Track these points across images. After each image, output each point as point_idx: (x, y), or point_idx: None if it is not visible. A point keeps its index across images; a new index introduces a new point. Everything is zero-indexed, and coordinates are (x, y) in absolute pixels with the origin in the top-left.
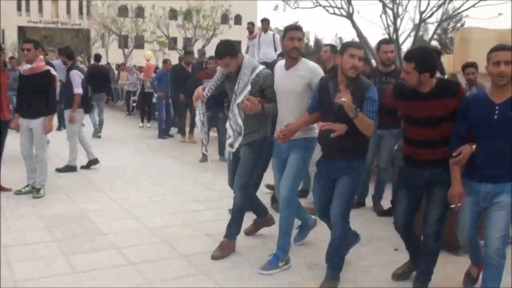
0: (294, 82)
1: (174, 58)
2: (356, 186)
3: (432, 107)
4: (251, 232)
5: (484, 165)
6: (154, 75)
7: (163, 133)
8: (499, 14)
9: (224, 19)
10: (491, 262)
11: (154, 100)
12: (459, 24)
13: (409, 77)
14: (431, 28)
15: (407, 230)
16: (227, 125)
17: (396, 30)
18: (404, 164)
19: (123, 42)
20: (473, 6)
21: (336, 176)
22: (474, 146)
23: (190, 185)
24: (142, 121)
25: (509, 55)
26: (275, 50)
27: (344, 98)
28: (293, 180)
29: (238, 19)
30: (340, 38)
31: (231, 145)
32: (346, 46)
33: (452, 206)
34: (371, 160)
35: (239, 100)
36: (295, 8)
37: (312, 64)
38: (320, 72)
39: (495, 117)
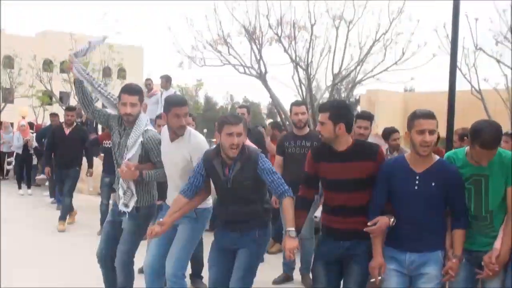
0: (175, 156)
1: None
2: (254, 259)
3: (347, 169)
4: None
5: (406, 235)
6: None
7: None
8: (412, 79)
9: (107, 72)
10: None
11: (35, 161)
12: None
13: (324, 128)
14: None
15: None
16: (119, 183)
17: (310, 90)
18: (320, 235)
19: None
20: (386, 69)
21: (234, 248)
22: (392, 220)
23: None
24: (20, 187)
25: (433, 124)
26: None
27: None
28: (179, 257)
29: (122, 73)
30: (231, 96)
31: (126, 205)
32: (222, 124)
33: (372, 280)
34: None
35: (129, 155)
36: (202, 66)
37: (196, 139)
38: (202, 148)
39: (416, 187)
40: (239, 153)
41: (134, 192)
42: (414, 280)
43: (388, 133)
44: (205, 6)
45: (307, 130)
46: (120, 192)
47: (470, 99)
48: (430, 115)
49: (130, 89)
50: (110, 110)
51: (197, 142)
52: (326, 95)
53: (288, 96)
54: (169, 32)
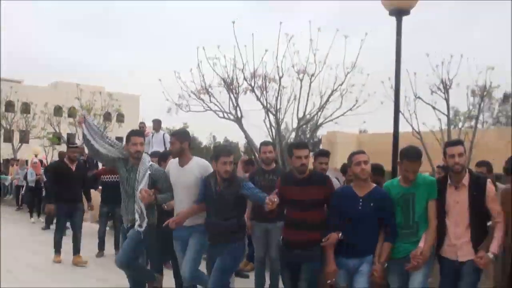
0: (187, 178)
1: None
2: (231, 262)
3: (306, 191)
4: None
5: (352, 244)
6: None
7: None
8: (364, 122)
9: (107, 117)
10: None
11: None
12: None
13: (308, 160)
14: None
15: None
16: (135, 209)
17: (279, 132)
18: (282, 245)
19: (10, 137)
20: (342, 114)
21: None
22: (340, 234)
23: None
24: (31, 216)
25: (365, 156)
26: (166, 149)
27: (275, 199)
28: (193, 261)
29: (120, 118)
30: (214, 137)
31: (140, 226)
32: (218, 155)
33: (329, 281)
34: (262, 253)
35: (141, 186)
36: (187, 111)
37: (203, 162)
38: (210, 169)
39: (359, 207)
40: (228, 178)
41: (145, 215)
42: (354, 275)
43: (347, 168)
44: (191, 61)
45: (273, 165)
46: (136, 216)
47: (411, 139)
48: (362, 152)
49: (138, 132)
50: (112, 154)
51: (206, 164)
52: (293, 135)
53: (260, 136)
54: (159, 83)
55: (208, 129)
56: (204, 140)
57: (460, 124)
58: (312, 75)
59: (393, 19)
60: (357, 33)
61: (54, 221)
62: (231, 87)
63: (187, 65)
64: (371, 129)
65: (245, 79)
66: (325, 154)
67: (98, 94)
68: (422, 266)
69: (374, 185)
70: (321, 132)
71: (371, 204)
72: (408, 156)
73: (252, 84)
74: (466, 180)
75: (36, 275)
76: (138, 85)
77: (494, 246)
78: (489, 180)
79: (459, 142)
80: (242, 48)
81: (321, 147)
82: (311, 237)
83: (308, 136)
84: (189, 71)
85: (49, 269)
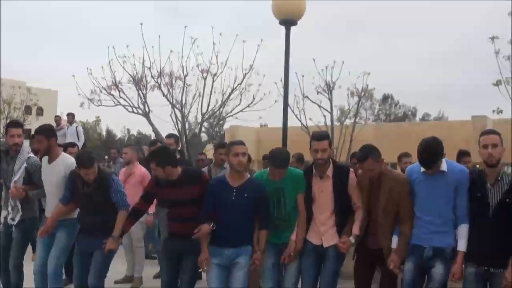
0: (53, 175)
1: None
2: (106, 258)
3: (179, 191)
4: None
5: (226, 234)
6: None
7: None
8: (260, 117)
9: (27, 110)
10: None
11: None
12: (222, 122)
13: (157, 172)
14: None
15: None
16: (9, 202)
17: (184, 126)
18: (167, 235)
19: None
20: (241, 110)
21: (91, 251)
22: (212, 225)
23: None
24: None
25: (244, 148)
26: (78, 140)
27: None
28: (59, 256)
29: (39, 111)
30: (128, 130)
31: (13, 219)
32: (79, 166)
33: (200, 270)
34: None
35: (16, 177)
36: (99, 106)
37: (68, 160)
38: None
39: (233, 198)
40: (97, 174)
41: (20, 208)
42: (230, 268)
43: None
44: (102, 58)
45: (177, 156)
46: (9, 208)
47: (300, 133)
48: (241, 143)
49: (16, 124)
50: None
51: (71, 161)
52: (198, 129)
53: (168, 130)
54: (72, 78)
55: (122, 122)
56: (119, 133)
57: (343, 120)
58: (215, 74)
59: (283, 28)
60: (255, 39)
61: None
62: (140, 84)
63: (99, 62)
64: (271, 124)
65: (152, 77)
66: (224, 146)
67: (17, 89)
68: (296, 258)
69: (248, 175)
70: (226, 126)
71: (245, 195)
72: (275, 163)
73: (159, 82)
74: (330, 171)
75: None
76: (56, 80)
77: (356, 228)
78: (351, 170)
79: (324, 137)
80: (149, 49)
81: (225, 140)
82: (189, 231)
83: (216, 129)
84: (100, 68)
85: None
